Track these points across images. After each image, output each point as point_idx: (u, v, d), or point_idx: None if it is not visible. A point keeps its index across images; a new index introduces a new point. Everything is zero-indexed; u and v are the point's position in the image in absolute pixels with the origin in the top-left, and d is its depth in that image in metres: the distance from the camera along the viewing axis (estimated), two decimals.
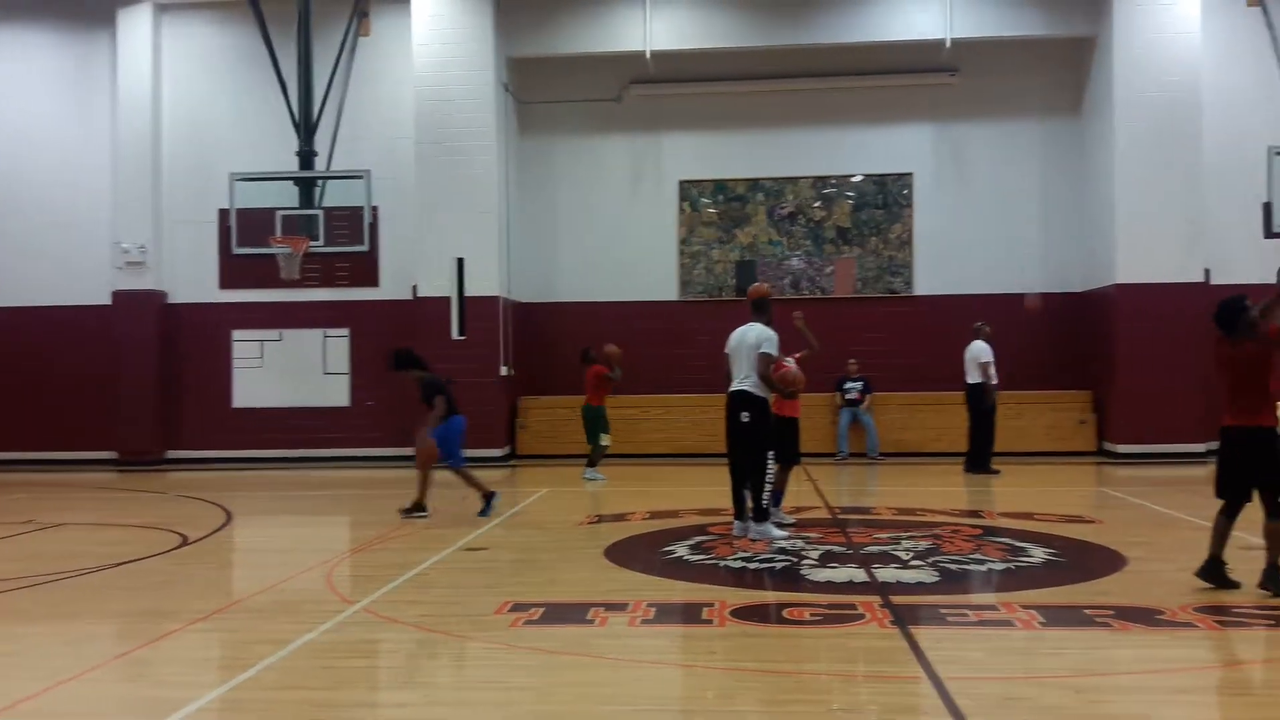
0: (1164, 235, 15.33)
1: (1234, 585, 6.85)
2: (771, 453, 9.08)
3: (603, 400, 14.05)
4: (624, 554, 8.50)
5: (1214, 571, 6.92)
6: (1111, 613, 6.32)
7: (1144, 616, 6.24)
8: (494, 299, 16.21)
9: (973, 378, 14.03)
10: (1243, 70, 15.89)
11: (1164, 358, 15.20)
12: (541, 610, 6.57)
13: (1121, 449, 15.47)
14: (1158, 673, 5.25)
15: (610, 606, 6.61)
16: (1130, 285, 15.38)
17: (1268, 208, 14.28)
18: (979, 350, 13.98)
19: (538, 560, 8.56)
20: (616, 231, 17.54)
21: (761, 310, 9.31)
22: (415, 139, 16.30)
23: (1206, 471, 8.46)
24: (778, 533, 8.99)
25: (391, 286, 17.00)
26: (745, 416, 8.98)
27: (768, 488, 9.02)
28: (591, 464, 14.13)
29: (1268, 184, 14.20)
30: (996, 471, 13.88)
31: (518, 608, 6.61)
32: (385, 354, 16.13)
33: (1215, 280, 15.58)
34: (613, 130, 17.65)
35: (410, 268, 16.55)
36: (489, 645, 5.90)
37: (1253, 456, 6.71)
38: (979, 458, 14.07)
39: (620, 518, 10.43)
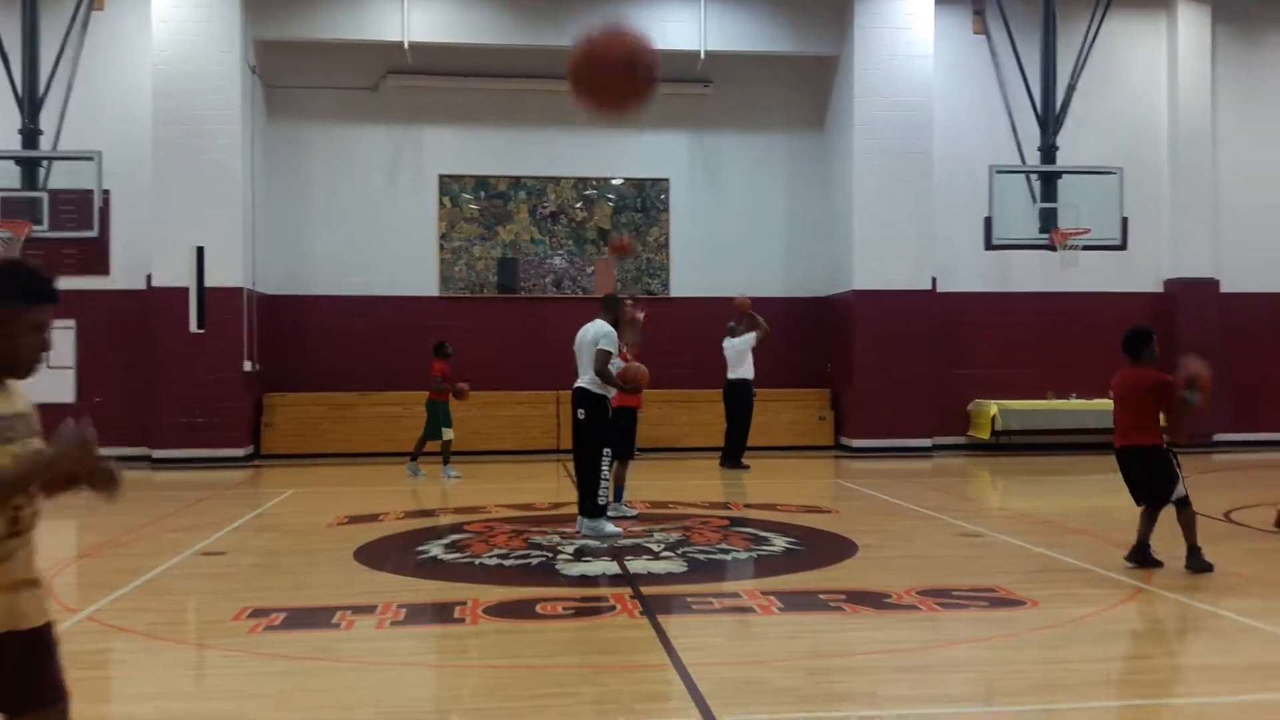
0: (897, 245, 16.38)
1: (1158, 564, 7.49)
2: (608, 450, 9.08)
3: (445, 396, 13.71)
4: (375, 555, 8.28)
5: (1141, 554, 7.54)
6: (844, 597, 6.70)
7: (873, 600, 6.64)
8: (237, 290, 15.43)
9: (734, 373, 14.52)
10: (969, 94, 17.19)
11: (895, 360, 16.25)
12: (283, 615, 6.31)
13: (856, 443, 16.42)
14: (884, 653, 5.60)
15: (358, 609, 6.43)
16: (866, 291, 16.34)
17: (988, 222, 15.53)
18: (739, 342, 14.48)
19: (281, 564, 8.23)
20: (373, 224, 17.07)
21: (609, 308, 9.36)
22: (153, 120, 15.30)
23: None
24: (610, 528, 8.97)
25: (124, 276, 15.89)
26: (581, 414, 9.03)
27: (604, 484, 9.01)
28: (445, 460, 13.73)
29: (989, 200, 15.44)
30: (746, 466, 14.42)
31: (257, 613, 6.32)
32: (118, 346, 15.15)
33: (942, 288, 16.83)
34: (370, 120, 17.19)
35: (145, 256, 15.51)
36: (226, 653, 5.62)
37: (1148, 473, 7.42)
38: (735, 453, 14.59)
39: (373, 518, 10.17)
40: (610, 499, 9.30)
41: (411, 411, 16.30)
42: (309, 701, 4.84)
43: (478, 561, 7.97)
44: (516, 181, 17.42)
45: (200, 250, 15.24)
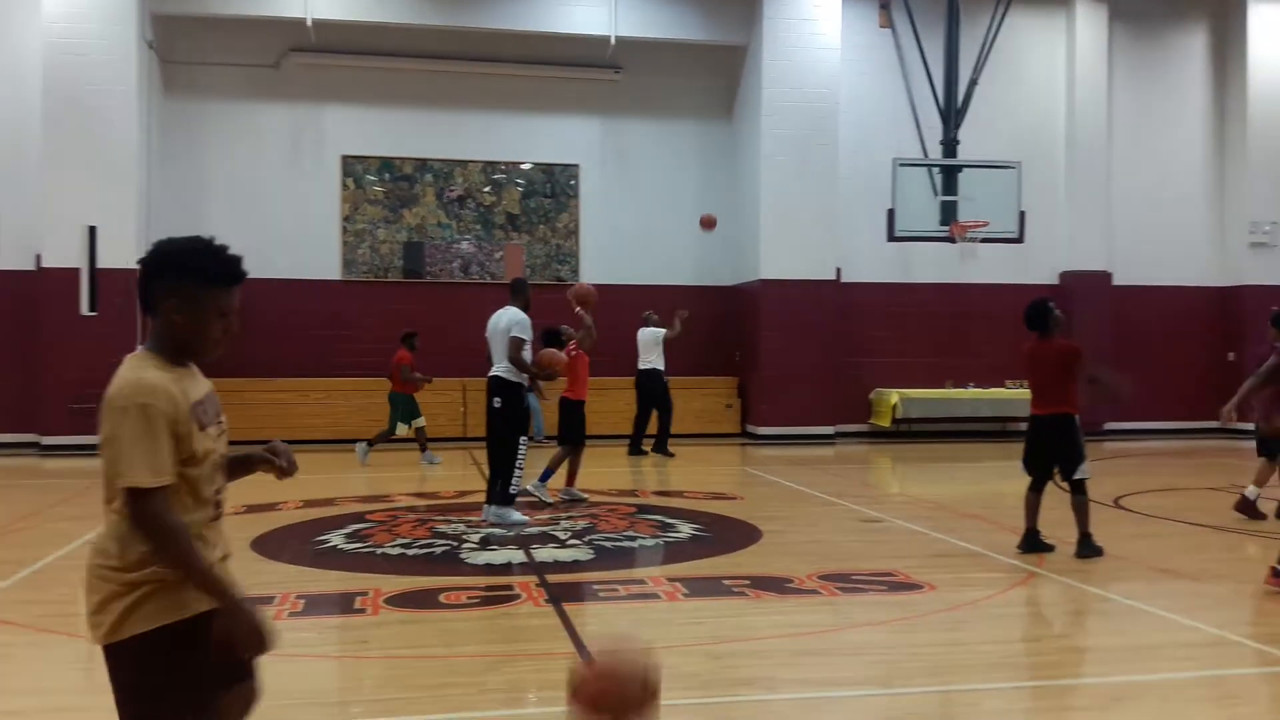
0: (803, 235, 16.57)
1: (1050, 548, 7.70)
2: (524, 438, 9.03)
3: (407, 390, 13.63)
4: (273, 545, 8.12)
5: (1031, 541, 7.72)
6: (748, 582, 6.78)
7: (776, 585, 6.73)
8: (131, 271, 14.91)
9: (644, 364, 14.55)
10: (874, 86, 17.44)
11: (800, 349, 16.45)
12: None
13: (762, 431, 16.61)
14: (785, 637, 5.68)
15: (255, 600, 6.28)
16: (772, 281, 16.51)
17: (891, 214, 15.80)
18: (654, 334, 14.52)
19: None
20: (273, 206, 16.65)
21: (518, 293, 9.32)
22: (44, 96, 14.70)
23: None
24: (517, 516, 8.93)
25: (11, 256, 15.25)
26: (497, 402, 9.00)
27: (518, 473, 8.96)
28: (422, 448, 13.68)
29: (892, 192, 15.70)
30: (672, 454, 14.47)
31: None
32: (5, 329, 14.60)
33: (846, 279, 17.08)
34: (271, 98, 16.75)
35: (35, 237, 14.92)
36: None
37: (1056, 440, 7.61)
38: (662, 441, 14.67)
39: (271, 507, 9.95)
40: (529, 485, 9.34)
41: (308, 399, 16.04)
42: None
43: (380, 551, 7.87)
44: (423, 164, 17.17)
45: (93, 230, 14.72)
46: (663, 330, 14.53)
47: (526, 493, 9.71)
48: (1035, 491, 7.82)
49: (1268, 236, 18.06)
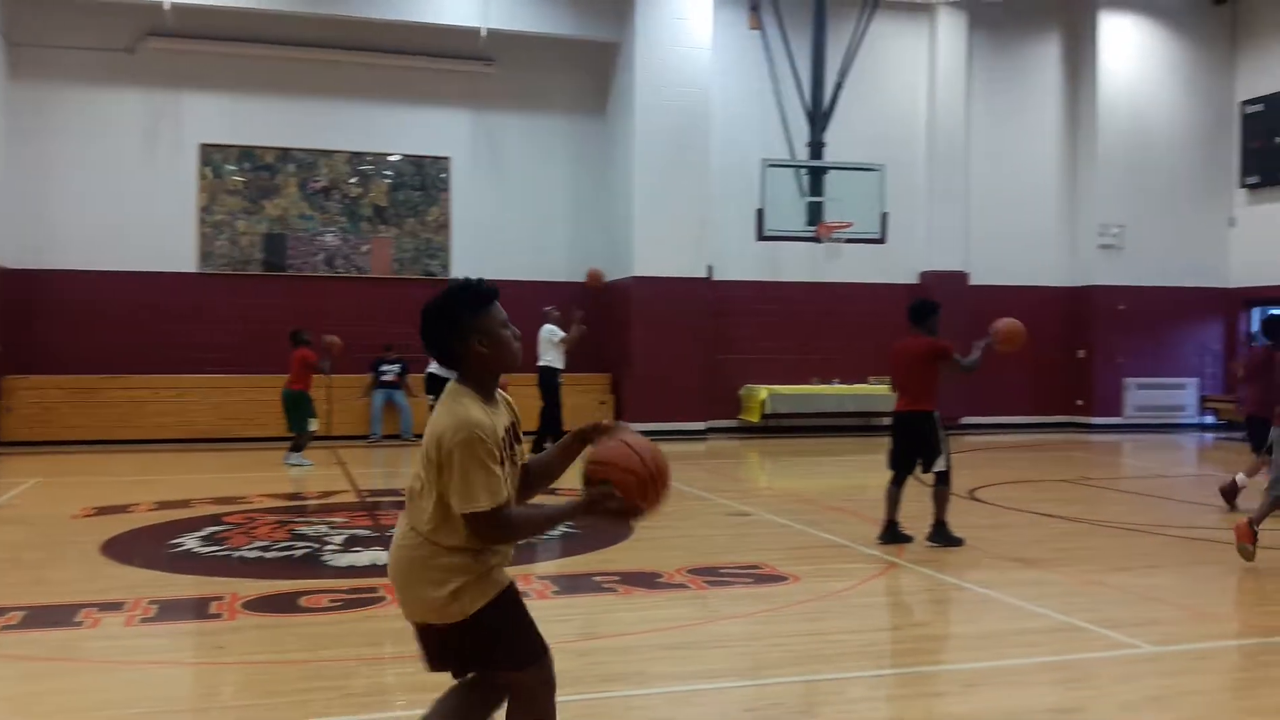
0: (675, 233, 16.69)
1: (908, 539, 7.86)
2: None
3: (308, 386, 13.02)
4: (125, 549, 7.78)
5: (891, 533, 7.88)
6: (617, 578, 6.79)
7: (645, 580, 6.76)
8: None
9: (544, 360, 14.38)
10: (745, 87, 17.64)
11: (672, 345, 16.58)
12: (22, 614, 5.84)
13: (635, 427, 16.49)
14: (654, 631, 5.70)
15: (105, 606, 6.02)
16: (645, 278, 16.59)
17: (760, 214, 16.03)
18: (549, 332, 14.37)
19: (21, 559, 7.62)
20: (127, 195, 15.94)
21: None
22: None
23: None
24: None
25: None
26: (431, 400, 8.80)
27: None
28: (297, 449, 12.97)
29: (761, 192, 15.94)
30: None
31: None
32: None
33: (717, 276, 17.28)
34: (126, 84, 16.04)
35: None
36: None
37: (917, 436, 7.80)
38: (543, 439, 14.50)
39: (122, 509, 9.54)
40: None
41: (159, 396, 15.43)
42: (50, 705, 4.51)
43: (237, 554, 7.62)
44: (285, 154, 16.69)
45: None
46: (560, 332, 14.40)
47: None
48: (896, 485, 8.03)
49: (1115, 239, 18.98)
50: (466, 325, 3.00)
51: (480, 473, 2.90)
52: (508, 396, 3.16)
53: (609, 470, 3.06)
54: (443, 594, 3.01)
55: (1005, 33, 19.07)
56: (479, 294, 3.04)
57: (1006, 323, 7.85)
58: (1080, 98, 19.26)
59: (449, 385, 3.05)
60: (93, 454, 14.22)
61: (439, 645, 3.13)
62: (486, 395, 3.04)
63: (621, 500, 3.05)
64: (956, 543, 7.81)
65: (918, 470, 8.01)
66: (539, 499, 3.24)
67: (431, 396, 9.06)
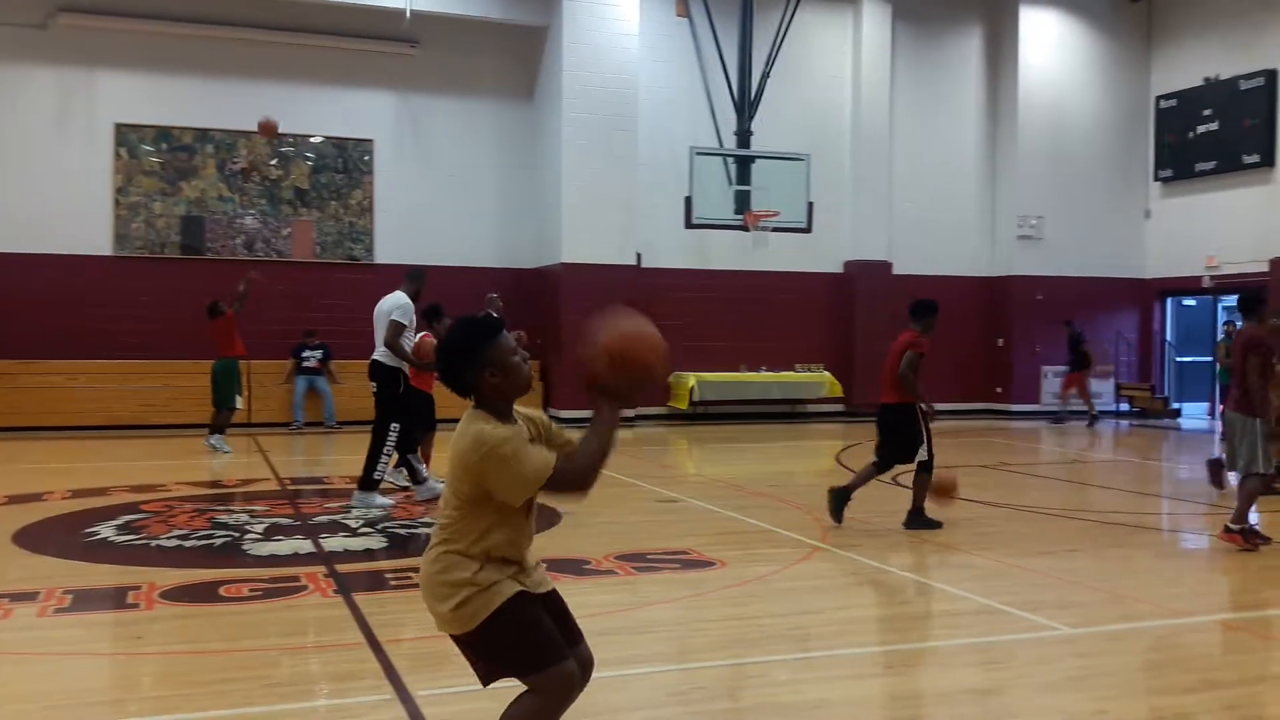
0: (604, 220, 16.67)
1: (839, 524, 7.99)
2: (395, 425, 8.82)
3: (240, 353, 12.70)
4: (37, 538, 7.56)
5: (837, 499, 8.02)
6: (545, 565, 6.73)
7: (574, 567, 6.75)
8: None
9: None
10: (673, 75, 17.68)
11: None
12: None
13: (565, 414, 16.61)
14: (582, 617, 5.62)
15: (16, 597, 5.84)
16: (574, 265, 16.55)
17: (689, 201, 16.08)
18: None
19: None
20: (39, 176, 15.45)
21: (411, 280, 9.14)
22: None
23: None
24: (381, 500, 8.77)
25: None
26: (373, 387, 8.91)
27: (384, 460, 8.78)
28: (218, 430, 12.56)
29: (689, 180, 15.97)
30: None
31: None
32: None
33: (646, 264, 17.30)
34: (36, 61, 15.53)
35: None
36: None
37: (896, 429, 8.02)
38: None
39: (35, 498, 9.27)
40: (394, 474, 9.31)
41: (76, 381, 15.03)
42: None
43: (154, 543, 7.44)
44: (203, 134, 16.30)
45: None
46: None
47: (418, 480, 9.32)
48: (876, 469, 8.23)
49: (1034, 230, 19.40)
50: (481, 357, 3.11)
51: (516, 464, 3.01)
52: (527, 413, 3.26)
53: (591, 368, 3.16)
54: (450, 607, 3.16)
55: (928, 25, 19.33)
56: (488, 326, 3.18)
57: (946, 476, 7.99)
58: (1001, 90, 19.61)
59: (467, 411, 3.15)
60: (6, 441, 13.78)
61: (468, 654, 3.29)
62: (503, 418, 3.13)
63: (628, 376, 3.19)
64: (929, 525, 8.01)
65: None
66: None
67: (375, 384, 8.97)
